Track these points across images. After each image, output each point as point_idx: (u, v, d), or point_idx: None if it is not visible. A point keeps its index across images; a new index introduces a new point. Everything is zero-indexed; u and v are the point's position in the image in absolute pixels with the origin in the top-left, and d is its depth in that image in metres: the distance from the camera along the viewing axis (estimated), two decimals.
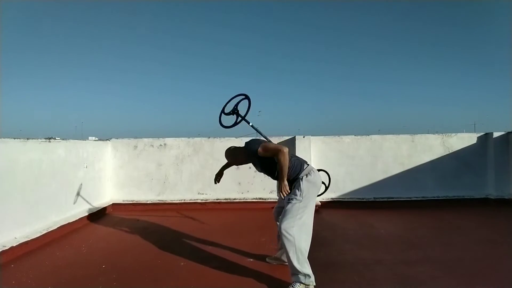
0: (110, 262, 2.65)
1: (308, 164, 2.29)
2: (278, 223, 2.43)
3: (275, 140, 4.83)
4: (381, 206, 4.51)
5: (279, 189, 2.19)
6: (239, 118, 2.35)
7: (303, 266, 2.08)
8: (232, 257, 2.68)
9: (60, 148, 3.65)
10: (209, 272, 2.42)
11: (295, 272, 2.08)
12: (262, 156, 2.17)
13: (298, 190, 2.16)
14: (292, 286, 2.07)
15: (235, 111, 2.32)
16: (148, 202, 4.68)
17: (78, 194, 3.90)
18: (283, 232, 2.06)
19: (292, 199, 2.15)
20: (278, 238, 2.36)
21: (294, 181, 2.21)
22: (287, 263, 2.17)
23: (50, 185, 3.44)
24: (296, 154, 4.66)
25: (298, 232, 2.08)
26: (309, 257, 2.74)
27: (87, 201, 4.10)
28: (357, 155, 4.79)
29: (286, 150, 2.10)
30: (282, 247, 2.18)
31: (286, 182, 2.13)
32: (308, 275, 2.08)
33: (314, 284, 2.09)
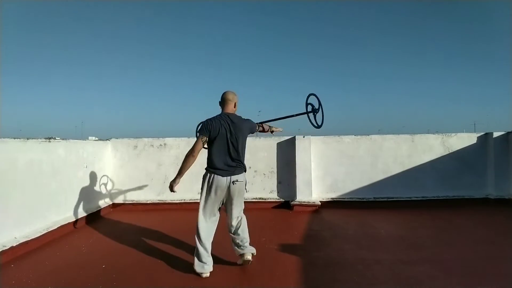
0: (110, 262, 2.65)
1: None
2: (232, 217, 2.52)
3: (275, 140, 4.83)
4: (381, 206, 4.50)
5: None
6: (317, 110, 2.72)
7: None
8: (232, 257, 2.68)
9: (60, 148, 3.65)
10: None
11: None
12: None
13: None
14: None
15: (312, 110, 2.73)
16: (148, 202, 4.68)
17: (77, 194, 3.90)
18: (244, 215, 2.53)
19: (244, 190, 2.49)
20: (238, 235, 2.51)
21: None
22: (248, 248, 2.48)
23: (50, 185, 3.44)
24: (296, 154, 4.68)
25: None
26: (309, 257, 2.75)
27: (87, 201, 4.10)
28: (357, 155, 4.79)
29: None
30: (243, 231, 2.50)
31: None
32: None
33: None
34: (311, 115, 2.61)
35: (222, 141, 2.37)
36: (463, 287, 2.15)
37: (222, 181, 2.34)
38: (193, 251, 2.46)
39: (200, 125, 2.38)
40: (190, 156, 2.38)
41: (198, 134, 2.37)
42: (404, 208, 4.41)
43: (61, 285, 2.26)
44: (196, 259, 2.37)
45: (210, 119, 2.40)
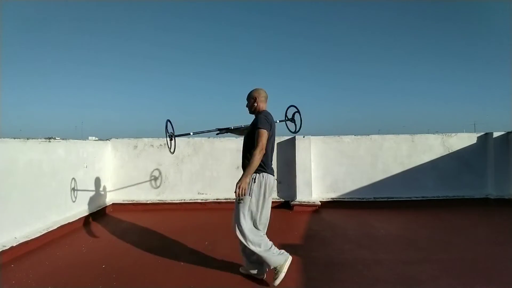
0: (110, 262, 2.65)
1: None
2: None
3: (275, 140, 4.83)
4: (381, 206, 4.50)
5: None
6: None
7: None
8: (232, 257, 2.68)
9: (60, 148, 3.64)
10: (209, 272, 2.42)
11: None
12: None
13: None
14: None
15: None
16: (148, 202, 4.68)
17: (77, 191, 3.90)
18: None
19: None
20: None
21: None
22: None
23: (50, 185, 3.44)
24: (296, 154, 4.68)
25: None
26: (309, 257, 2.74)
27: (87, 201, 4.10)
28: (357, 155, 4.78)
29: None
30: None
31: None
32: None
33: None
34: (289, 122, 2.90)
35: (271, 140, 2.24)
36: (463, 287, 2.15)
37: (272, 180, 2.22)
38: (195, 253, 2.45)
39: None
40: (262, 152, 2.10)
41: (263, 128, 2.12)
42: (404, 208, 4.41)
43: (61, 285, 2.26)
44: (272, 258, 2.14)
45: (267, 115, 2.23)
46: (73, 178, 3.84)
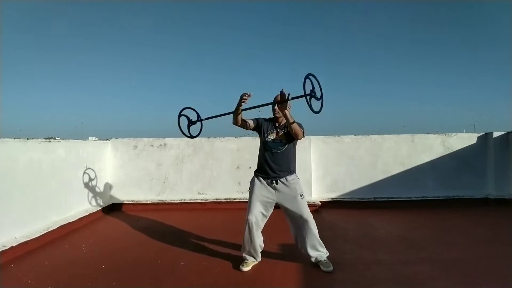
0: (110, 262, 2.65)
1: None
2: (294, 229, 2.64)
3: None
4: (381, 206, 4.50)
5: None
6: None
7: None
8: (232, 257, 2.68)
9: (60, 148, 3.65)
10: (209, 272, 2.42)
11: (324, 250, 2.50)
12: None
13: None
14: (327, 261, 2.45)
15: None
16: (148, 202, 4.68)
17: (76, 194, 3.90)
18: (312, 219, 2.53)
19: (301, 195, 2.54)
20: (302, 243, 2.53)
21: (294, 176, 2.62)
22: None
23: (50, 185, 3.44)
24: (296, 154, 4.66)
25: None
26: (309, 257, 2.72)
27: (87, 201, 4.10)
28: (357, 155, 4.78)
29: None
30: (308, 237, 2.49)
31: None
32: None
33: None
34: (309, 98, 2.20)
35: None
36: (463, 287, 2.15)
37: None
38: (195, 253, 2.46)
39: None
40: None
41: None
42: (404, 208, 4.41)
43: (61, 285, 2.26)
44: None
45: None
46: (73, 178, 3.84)
